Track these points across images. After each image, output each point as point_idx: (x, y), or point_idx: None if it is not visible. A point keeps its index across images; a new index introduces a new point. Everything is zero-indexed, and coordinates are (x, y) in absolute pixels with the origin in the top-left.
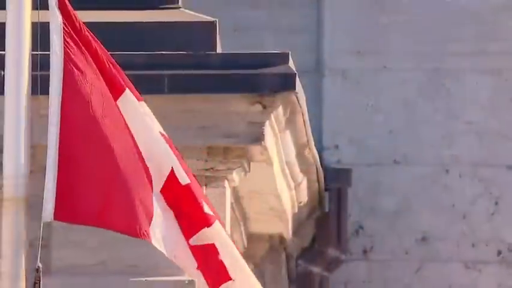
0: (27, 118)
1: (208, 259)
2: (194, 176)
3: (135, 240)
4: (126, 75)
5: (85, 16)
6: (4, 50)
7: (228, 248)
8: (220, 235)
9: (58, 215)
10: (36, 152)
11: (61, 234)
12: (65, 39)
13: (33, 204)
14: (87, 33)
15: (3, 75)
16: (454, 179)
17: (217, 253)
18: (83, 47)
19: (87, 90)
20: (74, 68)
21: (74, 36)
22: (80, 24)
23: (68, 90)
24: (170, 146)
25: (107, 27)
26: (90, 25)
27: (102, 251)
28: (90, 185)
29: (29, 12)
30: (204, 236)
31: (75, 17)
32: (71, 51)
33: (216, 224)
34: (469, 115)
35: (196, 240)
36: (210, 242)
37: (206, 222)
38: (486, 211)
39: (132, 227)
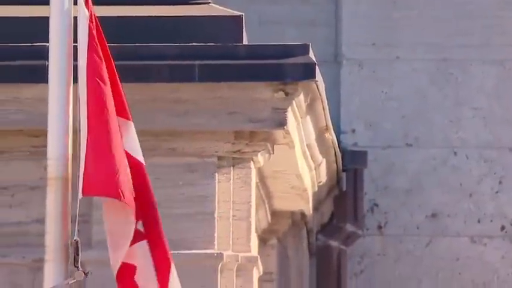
0: (68, 104)
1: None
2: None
3: (167, 217)
4: (160, 65)
5: (122, 11)
6: (48, 42)
7: (149, 269)
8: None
9: (85, 190)
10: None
11: (100, 210)
12: (89, 32)
13: (76, 183)
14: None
15: (47, 65)
16: (462, 160)
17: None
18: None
19: (106, 79)
20: (96, 58)
21: (94, 32)
22: (96, 22)
23: (91, 78)
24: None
25: (143, 21)
26: (127, 19)
27: None
28: (108, 163)
29: (71, 6)
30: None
31: (94, 16)
32: (93, 43)
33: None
34: (475, 102)
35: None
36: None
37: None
38: (491, 190)
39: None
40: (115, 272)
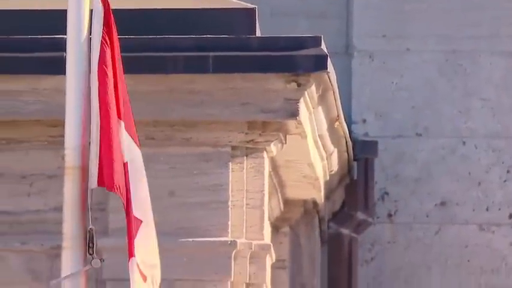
0: (85, 95)
1: None
2: None
3: (182, 205)
4: (175, 57)
5: (139, 3)
6: (65, 35)
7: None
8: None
9: (100, 182)
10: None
11: (117, 199)
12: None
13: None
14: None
15: (65, 57)
16: (470, 150)
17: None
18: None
19: (116, 71)
20: (107, 50)
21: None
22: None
23: (102, 70)
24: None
25: (159, 14)
26: (144, 12)
27: (153, 214)
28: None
29: (87, 0)
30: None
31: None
32: (106, 36)
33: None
34: (483, 92)
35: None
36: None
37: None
38: (499, 178)
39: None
40: (129, 261)
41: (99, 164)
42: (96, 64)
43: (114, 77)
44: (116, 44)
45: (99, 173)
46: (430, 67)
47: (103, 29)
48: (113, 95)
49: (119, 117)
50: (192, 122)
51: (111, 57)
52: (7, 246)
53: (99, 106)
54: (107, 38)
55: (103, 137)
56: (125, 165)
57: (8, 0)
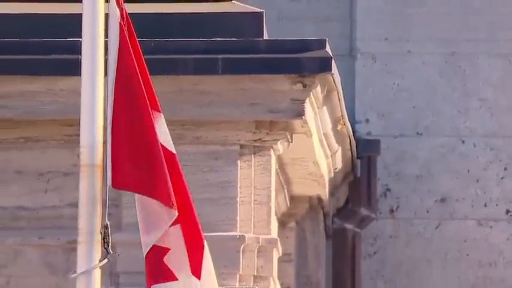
0: (100, 95)
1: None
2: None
3: (193, 201)
4: (186, 59)
5: (152, 8)
6: (81, 38)
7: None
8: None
9: (115, 182)
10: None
11: (129, 195)
12: (120, 29)
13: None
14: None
15: (80, 59)
16: (469, 148)
17: (164, 254)
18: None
19: (135, 74)
20: (126, 53)
21: (125, 28)
22: (127, 19)
23: (120, 73)
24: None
25: (170, 18)
26: (154, 15)
27: None
28: (138, 157)
29: (103, 4)
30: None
31: (126, 13)
32: (125, 39)
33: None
34: (482, 93)
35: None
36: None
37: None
38: (496, 176)
39: (167, 197)
40: (145, 254)
41: (114, 164)
42: (113, 66)
43: (142, 75)
44: (136, 45)
45: (114, 174)
46: (430, 69)
47: (121, 31)
48: (137, 94)
49: (158, 110)
50: (202, 122)
51: (136, 57)
52: (25, 241)
53: (114, 107)
54: (127, 40)
55: (118, 137)
56: (173, 156)
57: (26, 5)
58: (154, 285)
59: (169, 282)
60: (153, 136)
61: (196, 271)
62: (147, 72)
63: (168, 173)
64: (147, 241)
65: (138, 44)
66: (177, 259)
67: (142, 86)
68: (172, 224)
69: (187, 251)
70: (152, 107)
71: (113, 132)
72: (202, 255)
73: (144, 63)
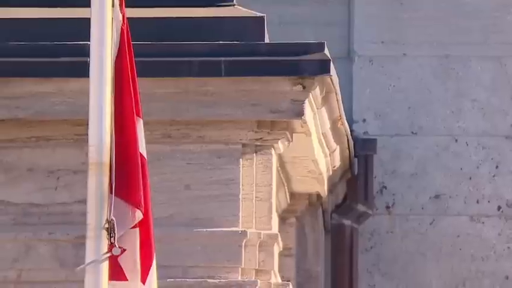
0: (107, 96)
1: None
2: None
3: (197, 198)
4: (190, 61)
5: (157, 13)
6: (89, 41)
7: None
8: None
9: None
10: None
11: None
12: (121, 33)
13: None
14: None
15: (89, 61)
16: (462, 147)
17: (120, 254)
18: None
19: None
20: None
21: (125, 33)
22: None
23: (118, 76)
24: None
25: (175, 22)
26: (160, 20)
27: (170, 207)
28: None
29: (109, 9)
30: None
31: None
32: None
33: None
34: (474, 94)
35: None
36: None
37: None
38: (488, 173)
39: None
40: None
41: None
42: (112, 68)
43: (133, 81)
44: (131, 49)
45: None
46: (424, 71)
47: (121, 35)
48: (131, 96)
49: (138, 115)
50: (206, 121)
51: (129, 61)
52: (36, 236)
53: (115, 110)
54: (125, 44)
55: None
56: (144, 163)
57: (37, 10)
58: (110, 281)
59: (119, 282)
60: (134, 140)
61: (143, 276)
62: (136, 78)
63: (141, 177)
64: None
65: (132, 48)
66: (129, 261)
67: (131, 91)
68: (132, 227)
69: (140, 257)
70: (136, 112)
71: (115, 136)
72: (151, 263)
73: (135, 68)
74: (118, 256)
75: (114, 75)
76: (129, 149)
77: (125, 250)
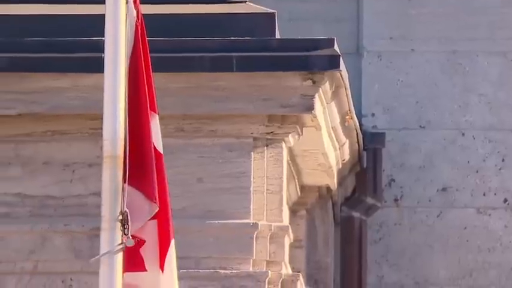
0: (121, 91)
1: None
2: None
3: (209, 191)
4: (202, 57)
5: (170, 9)
6: (103, 37)
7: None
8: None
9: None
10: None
11: None
12: (135, 29)
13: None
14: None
15: (103, 57)
16: (469, 141)
17: (141, 245)
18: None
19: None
20: (140, 53)
21: (139, 29)
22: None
23: (133, 71)
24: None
25: (187, 18)
26: (173, 16)
27: (183, 200)
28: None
29: (123, 5)
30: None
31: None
32: (137, 39)
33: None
34: (481, 89)
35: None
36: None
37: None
38: (495, 166)
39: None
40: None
41: (130, 162)
42: (127, 63)
43: (147, 77)
44: (146, 45)
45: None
46: (432, 66)
47: (136, 31)
48: (146, 91)
49: (154, 110)
50: (218, 116)
51: (144, 57)
52: (52, 228)
53: (129, 105)
54: (140, 40)
55: (133, 135)
56: (160, 157)
57: (53, 6)
58: (126, 272)
59: (138, 272)
60: (148, 135)
61: (161, 265)
62: (151, 73)
63: (155, 171)
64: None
65: (147, 44)
66: (150, 252)
67: (145, 87)
68: (151, 219)
69: (159, 246)
70: (150, 107)
71: (129, 131)
72: (167, 251)
73: (150, 63)
74: (139, 247)
75: (129, 71)
76: (143, 143)
77: (144, 241)
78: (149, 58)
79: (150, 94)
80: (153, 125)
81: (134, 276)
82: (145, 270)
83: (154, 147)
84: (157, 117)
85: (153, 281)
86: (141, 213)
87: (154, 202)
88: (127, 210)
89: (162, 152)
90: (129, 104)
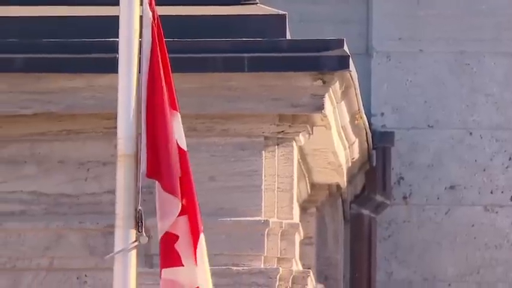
0: (135, 91)
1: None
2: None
3: (221, 189)
4: (215, 58)
5: (183, 11)
6: (118, 38)
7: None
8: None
9: (149, 172)
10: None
11: None
12: (152, 31)
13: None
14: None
15: (118, 57)
16: (476, 140)
17: (175, 241)
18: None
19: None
20: (156, 53)
21: (155, 31)
22: (157, 21)
23: (152, 71)
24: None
25: (200, 19)
26: (187, 18)
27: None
28: (158, 150)
29: (138, 7)
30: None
31: (157, 15)
32: (154, 40)
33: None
34: (488, 89)
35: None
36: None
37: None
38: (502, 165)
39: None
40: (159, 239)
41: (149, 156)
42: (146, 64)
43: (166, 75)
44: (163, 45)
45: (149, 165)
46: (440, 66)
47: (152, 32)
48: (164, 90)
49: (175, 109)
50: (230, 115)
51: (162, 56)
52: (67, 225)
53: (147, 103)
54: (157, 40)
55: (151, 131)
56: (184, 154)
57: (68, 8)
58: (164, 268)
59: (176, 267)
60: (170, 133)
61: (195, 259)
62: (170, 72)
63: (179, 168)
64: (161, 227)
65: (165, 44)
66: (184, 246)
67: (164, 86)
68: (181, 214)
69: (191, 239)
70: (171, 106)
71: (147, 125)
72: (197, 245)
73: (169, 63)
74: (173, 243)
75: (148, 71)
76: (162, 142)
77: (178, 237)
78: (167, 57)
79: (171, 93)
80: (175, 123)
81: (172, 272)
82: (183, 265)
83: (178, 144)
84: (179, 115)
85: (190, 275)
86: (171, 210)
87: (177, 197)
88: (141, 208)
89: (186, 149)
90: (148, 103)
